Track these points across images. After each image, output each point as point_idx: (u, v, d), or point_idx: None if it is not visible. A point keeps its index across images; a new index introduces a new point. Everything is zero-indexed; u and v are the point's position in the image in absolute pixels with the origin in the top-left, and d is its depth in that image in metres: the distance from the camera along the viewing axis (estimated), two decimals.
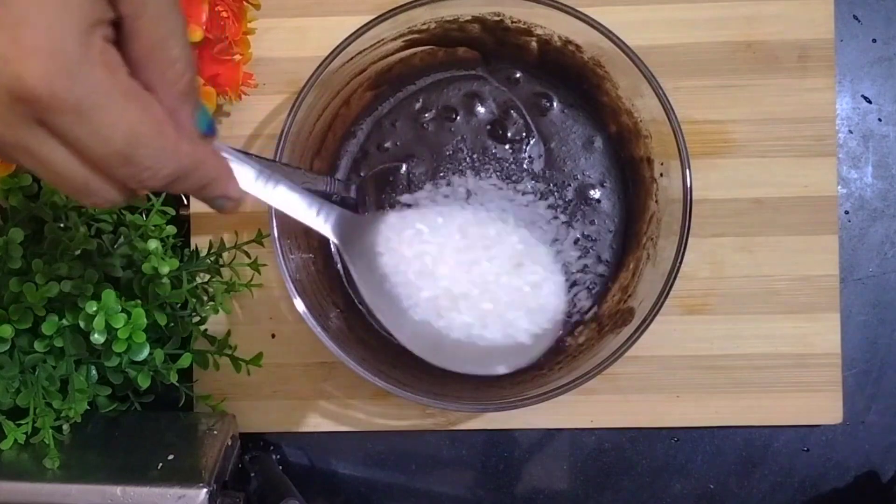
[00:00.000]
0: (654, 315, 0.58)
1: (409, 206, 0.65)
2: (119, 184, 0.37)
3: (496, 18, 0.62)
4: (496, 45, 0.65)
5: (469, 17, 0.62)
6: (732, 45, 0.67)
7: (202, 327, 0.64)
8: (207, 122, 0.40)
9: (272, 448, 0.68)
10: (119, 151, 0.35)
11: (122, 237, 0.60)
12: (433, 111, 0.66)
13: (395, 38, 0.62)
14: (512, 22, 0.62)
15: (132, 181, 0.37)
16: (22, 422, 0.59)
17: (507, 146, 0.66)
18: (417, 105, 0.66)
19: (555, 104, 0.66)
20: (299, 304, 0.58)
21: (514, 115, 0.66)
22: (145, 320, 0.57)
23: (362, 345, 0.63)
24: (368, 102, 0.66)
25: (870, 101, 0.68)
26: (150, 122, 0.36)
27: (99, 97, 0.34)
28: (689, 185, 0.58)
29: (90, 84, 0.34)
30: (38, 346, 0.58)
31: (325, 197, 0.58)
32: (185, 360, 0.61)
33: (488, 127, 0.66)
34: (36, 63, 0.32)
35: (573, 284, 0.66)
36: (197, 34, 0.59)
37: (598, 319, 0.65)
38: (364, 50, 0.60)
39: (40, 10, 0.32)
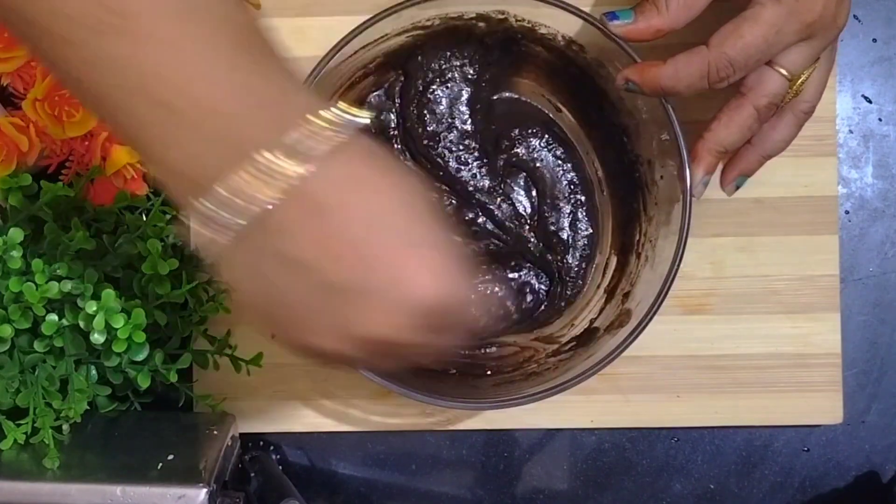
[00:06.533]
0: (652, 316, 0.58)
1: None
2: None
3: (500, 17, 0.62)
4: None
5: (473, 15, 0.62)
6: None
7: (202, 327, 0.64)
8: None
9: (272, 448, 0.68)
10: None
11: (122, 237, 0.60)
12: None
13: (398, 34, 0.61)
14: (516, 21, 0.62)
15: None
16: (22, 422, 0.59)
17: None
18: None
19: (554, 103, 0.66)
20: None
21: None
22: (145, 320, 0.57)
23: None
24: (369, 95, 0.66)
25: (870, 101, 0.68)
26: None
27: None
28: (689, 185, 0.58)
29: None
30: (38, 346, 0.58)
31: None
32: (185, 360, 0.61)
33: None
34: None
35: (572, 285, 0.66)
36: None
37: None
38: (367, 45, 0.60)
39: None
